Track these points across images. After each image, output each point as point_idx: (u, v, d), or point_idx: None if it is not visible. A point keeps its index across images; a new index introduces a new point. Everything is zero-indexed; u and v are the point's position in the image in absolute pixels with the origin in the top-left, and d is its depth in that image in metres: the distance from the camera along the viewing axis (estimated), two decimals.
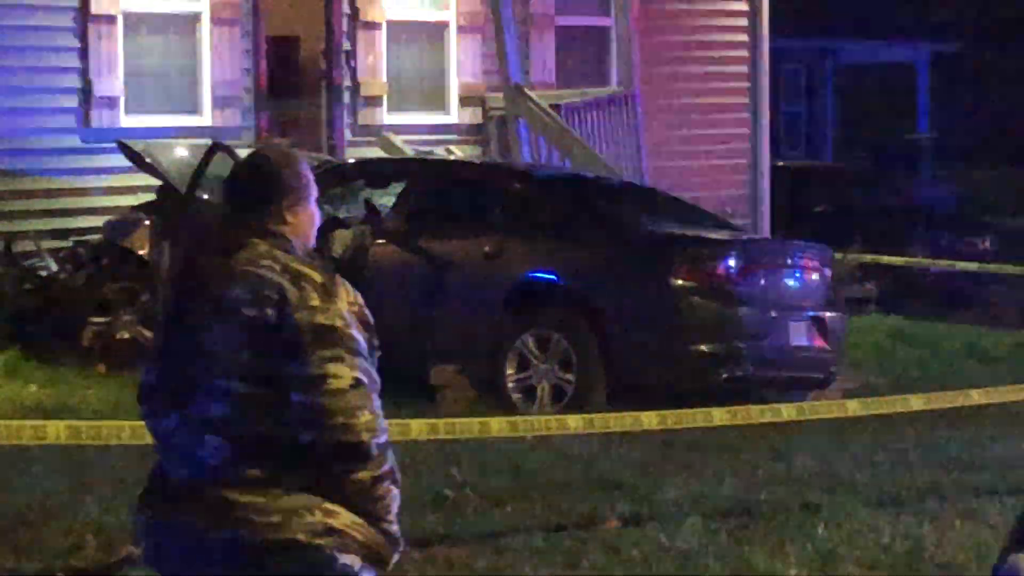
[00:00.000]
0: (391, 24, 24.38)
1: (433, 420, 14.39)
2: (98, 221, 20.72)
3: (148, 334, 18.92)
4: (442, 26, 24.92)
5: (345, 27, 24.04)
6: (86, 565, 11.61)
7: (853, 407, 14.93)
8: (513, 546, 12.41)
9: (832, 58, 53.21)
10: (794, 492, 13.84)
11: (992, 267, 31.52)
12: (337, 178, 20.18)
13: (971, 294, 31.34)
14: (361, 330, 7.07)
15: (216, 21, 22.69)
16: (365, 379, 7.01)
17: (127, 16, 21.96)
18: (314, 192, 7.29)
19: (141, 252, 19.33)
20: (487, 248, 18.29)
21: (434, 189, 19.75)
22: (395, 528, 7.00)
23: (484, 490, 14.04)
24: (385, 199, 19.50)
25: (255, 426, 7.03)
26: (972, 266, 31.47)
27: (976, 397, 16.21)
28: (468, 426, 13.68)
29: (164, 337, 7.30)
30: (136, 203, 20.35)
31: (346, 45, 24.04)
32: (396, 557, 7.03)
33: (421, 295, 18.31)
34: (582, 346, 17.63)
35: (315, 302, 7.01)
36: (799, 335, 18.26)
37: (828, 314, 18.84)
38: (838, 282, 20.76)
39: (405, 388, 18.06)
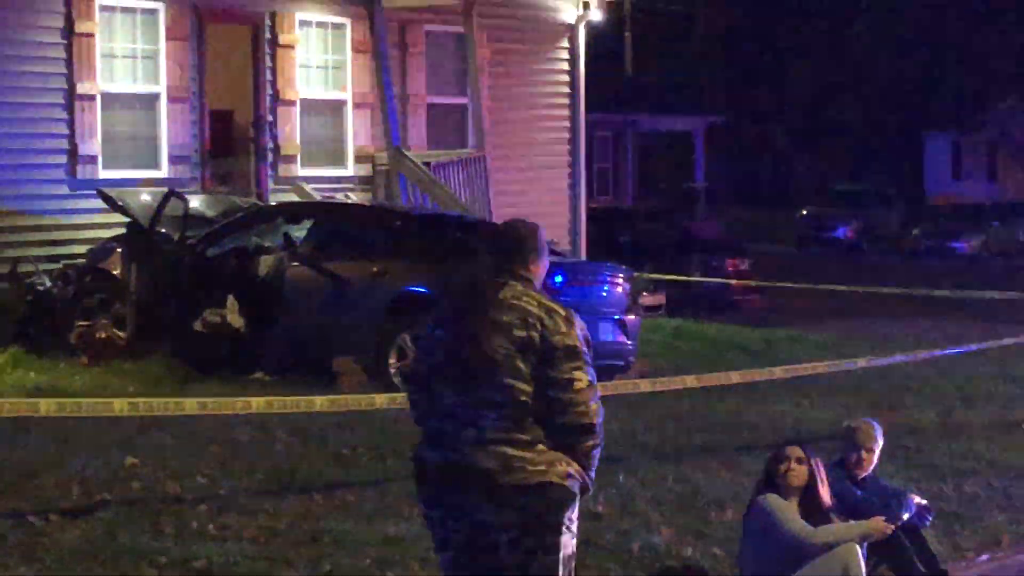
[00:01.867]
0: (303, 101, 24.28)
1: (334, 396, 14.32)
2: (82, 249, 20.87)
3: (121, 334, 18.95)
4: (341, 103, 24.76)
5: (268, 103, 23.84)
6: (72, 507, 11.02)
7: (644, 385, 14.98)
8: (393, 490, 12.43)
9: (632, 127, 53.23)
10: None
11: (745, 281, 31.30)
12: (262, 217, 20.17)
13: (732, 301, 31.39)
14: (587, 348, 7.96)
15: (171, 99, 22.63)
16: (593, 380, 7.97)
17: (104, 95, 21.89)
18: (546, 251, 8.36)
19: (115, 272, 19.21)
20: (375, 268, 18.19)
21: (335, 225, 19.62)
22: (593, 475, 8.06)
23: (370, 448, 13.71)
24: (298, 232, 19.27)
25: (524, 409, 7.89)
26: (732, 280, 31.51)
27: (735, 378, 16.34)
28: (357, 401, 13.44)
29: (448, 342, 8.08)
30: (110, 236, 19.95)
31: (269, 117, 23.74)
32: (591, 491, 8.14)
33: (326, 304, 18.20)
34: None
35: (563, 328, 7.91)
36: (606, 332, 18.28)
37: (628, 317, 18.96)
38: (635, 293, 20.63)
39: (313, 374, 17.70)
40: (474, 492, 7.92)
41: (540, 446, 7.91)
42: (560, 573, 8.01)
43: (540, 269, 8.17)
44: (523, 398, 7.87)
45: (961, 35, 77.18)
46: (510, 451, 7.87)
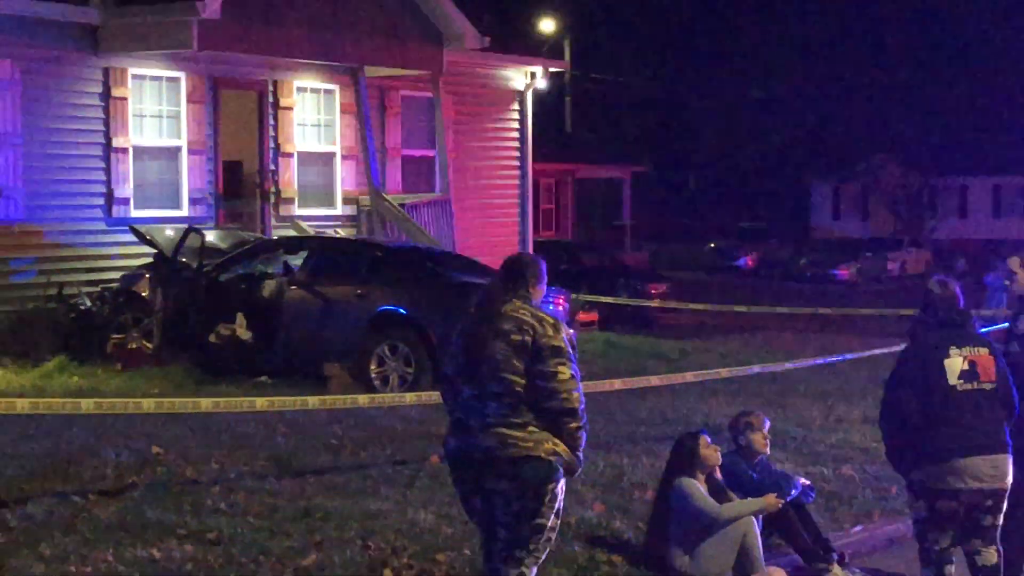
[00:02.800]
0: (300, 154, 24.41)
1: (324, 396, 14.27)
2: (116, 275, 20.85)
3: (148, 345, 18.94)
4: (331, 155, 24.78)
5: (271, 155, 23.79)
6: (107, 488, 10.97)
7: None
8: (372, 474, 12.45)
9: (571, 175, 52.97)
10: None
11: (666, 303, 31.22)
12: (266, 248, 20.16)
13: (654, 319, 31.22)
14: (572, 349, 8.34)
15: (191, 151, 22.66)
16: (576, 375, 8.30)
17: (135, 148, 21.93)
18: (545, 278, 8.72)
19: (144, 294, 19.20)
20: (359, 291, 18.19)
21: (326, 255, 19.52)
22: (581, 455, 8.38)
23: (354, 439, 13.79)
24: (296, 261, 19.21)
25: (519, 398, 8.22)
26: (654, 302, 31.37)
27: (655, 381, 16.31)
28: (344, 400, 13.50)
29: (464, 349, 8.45)
30: (140, 264, 19.92)
31: (271, 166, 23.77)
32: (579, 471, 8.47)
33: (318, 319, 18.20)
34: (417, 351, 17.45)
35: (550, 333, 8.29)
36: None
37: (568, 331, 18.66)
38: (574, 311, 20.61)
39: (307, 377, 17.62)
40: (478, 465, 8.30)
41: (531, 427, 8.23)
42: (550, 524, 8.33)
43: (539, 291, 8.58)
44: (518, 388, 8.20)
45: (839, 101, 77.72)
46: (506, 431, 8.22)
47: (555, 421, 8.25)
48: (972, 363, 9.32)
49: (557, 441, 8.24)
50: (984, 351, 9.40)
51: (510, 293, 8.46)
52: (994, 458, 9.30)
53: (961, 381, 9.26)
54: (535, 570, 8.41)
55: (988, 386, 9.31)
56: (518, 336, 8.25)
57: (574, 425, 8.26)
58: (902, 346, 9.96)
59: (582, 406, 8.32)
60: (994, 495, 9.33)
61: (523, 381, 8.23)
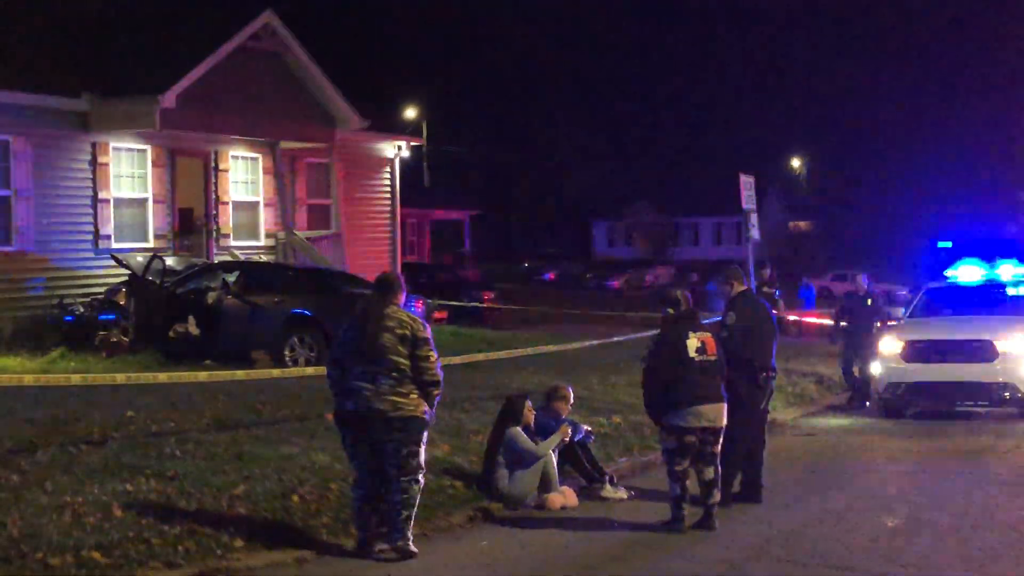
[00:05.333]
0: (234, 202, 24.04)
1: (251, 371, 14.07)
2: (101, 289, 20.31)
3: (125, 339, 18.37)
4: (256, 203, 24.50)
5: (213, 203, 23.31)
6: (94, 440, 10.98)
7: None
8: (287, 428, 12.30)
9: (428, 217, 52.78)
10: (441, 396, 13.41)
11: (493, 305, 31.18)
12: (210, 269, 19.71)
13: (485, 316, 31.17)
14: (431, 337, 8.52)
15: (155, 201, 22.45)
16: (437, 356, 8.54)
17: (115, 199, 21.57)
18: (404, 289, 8.81)
19: (121, 302, 18.58)
20: (276, 299, 17.99)
21: (253, 274, 19.16)
22: (435, 411, 8.66)
23: (272, 402, 13.63)
24: (231, 278, 18.83)
25: (404, 374, 8.36)
26: (485, 304, 31.36)
27: (480, 357, 16.30)
28: (266, 374, 13.29)
29: (358, 338, 8.48)
30: (118, 281, 19.46)
31: (213, 211, 23.48)
32: (435, 421, 8.88)
33: (247, 320, 17.88)
34: (317, 341, 17.28)
35: (420, 328, 8.50)
36: None
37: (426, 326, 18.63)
38: (430, 311, 20.57)
39: (240, 360, 17.38)
40: (372, 422, 8.43)
41: (412, 395, 8.45)
42: (420, 467, 8.60)
43: (401, 297, 8.71)
44: (403, 367, 8.40)
45: (613, 163, 79.01)
46: (396, 399, 8.41)
47: (424, 389, 8.47)
48: (703, 343, 9.78)
49: (423, 402, 8.49)
50: (709, 335, 9.89)
51: (385, 299, 8.58)
52: (717, 406, 9.78)
53: (696, 355, 9.70)
54: (417, 487, 8.59)
55: (712, 358, 9.77)
56: (400, 330, 8.39)
57: (436, 392, 8.57)
58: (654, 332, 10.19)
59: (441, 377, 8.60)
60: (715, 432, 9.82)
61: (406, 362, 8.38)
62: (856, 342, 18.08)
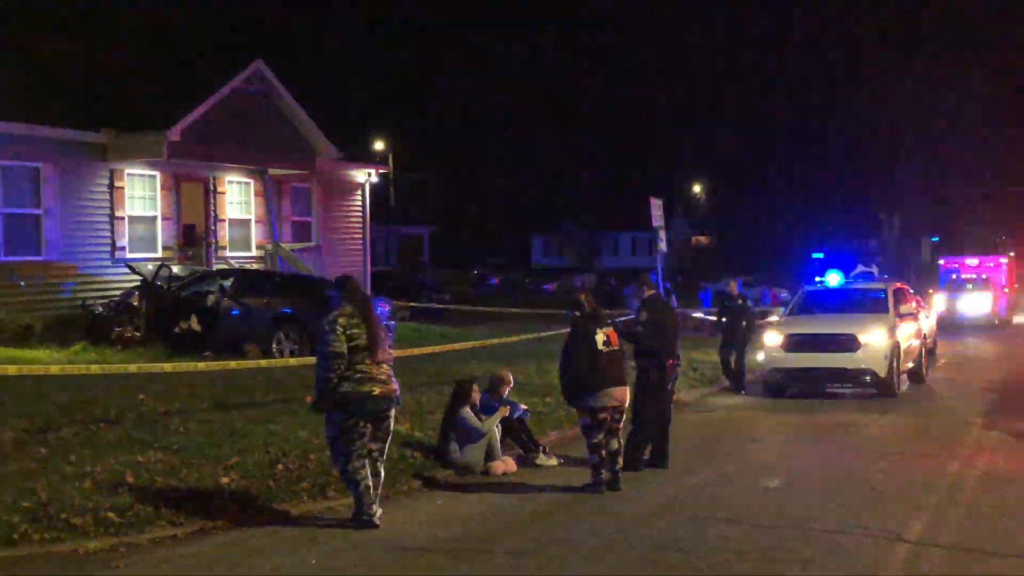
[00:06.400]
0: (230, 219, 23.72)
1: (243, 362, 13.84)
2: (117, 292, 19.85)
3: (138, 335, 18.08)
4: (248, 220, 24.23)
5: (212, 220, 22.99)
6: (110, 419, 10.69)
7: (393, 353, 14.45)
8: (272, 408, 12.10)
9: (396, 233, 52.51)
10: None
11: (447, 305, 30.84)
12: (209, 276, 19.41)
13: (437, 318, 30.80)
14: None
15: (163, 218, 22.09)
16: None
17: (129, 216, 21.18)
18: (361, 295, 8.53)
19: (135, 304, 18.31)
20: (266, 301, 17.76)
21: (246, 280, 18.95)
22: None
23: (261, 386, 13.53)
24: (227, 283, 18.65)
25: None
26: (439, 305, 31.14)
27: (436, 349, 16.07)
28: (256, 364, 13.13)
29: (363, 334, 8.21)
30: (132, 286, 19.22)
31: (213, 227, 23.13)
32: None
33: (241, 318, 17.66)
34: (300, 336, 17.11)
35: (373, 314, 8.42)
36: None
37: (391, 322, 18.64)
38: (395, 310, 20.50)
39: (234, 353, 17.22)
40: (389, 402, 8.25)
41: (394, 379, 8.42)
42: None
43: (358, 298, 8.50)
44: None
45: (547, 182, 79.20)
46: (397, 382, 8.38)
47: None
48: (608, 336, 9.79)
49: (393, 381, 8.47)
50: (611, 329, 9.90)
51: (350, 301, 8.33)
52: (622, 388, 9.79)
53: (604, 347, 9.70)
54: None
55: (616, 348, 9.83)
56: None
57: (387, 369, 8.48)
58: (569, 329, 10.18)
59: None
60: (621, 410, 9.85)
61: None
62: (730, 336, 18.00)
